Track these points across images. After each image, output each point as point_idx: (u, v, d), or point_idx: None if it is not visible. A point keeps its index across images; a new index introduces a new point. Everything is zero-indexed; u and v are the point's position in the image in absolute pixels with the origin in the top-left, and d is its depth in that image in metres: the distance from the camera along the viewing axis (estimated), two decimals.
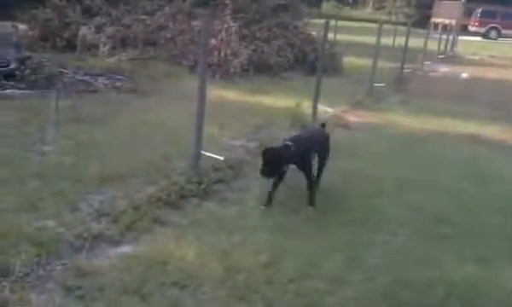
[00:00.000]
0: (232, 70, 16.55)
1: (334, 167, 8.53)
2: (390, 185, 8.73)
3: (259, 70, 17.85)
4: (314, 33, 21.06)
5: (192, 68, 15.66)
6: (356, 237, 6.83)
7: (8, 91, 11.96)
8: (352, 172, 9.09)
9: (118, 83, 13.75)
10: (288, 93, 14.62)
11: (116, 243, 6.21)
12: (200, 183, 7.78)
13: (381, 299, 5.60)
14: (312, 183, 7.56)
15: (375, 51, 16.94)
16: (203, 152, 8.28)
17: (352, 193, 8.30)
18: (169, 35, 18.21)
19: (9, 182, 7.22)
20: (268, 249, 6.27)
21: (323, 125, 8.70)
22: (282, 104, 13.28)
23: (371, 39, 19.26)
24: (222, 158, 8.57)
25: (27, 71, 12.66)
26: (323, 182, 8.09)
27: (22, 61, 13.05)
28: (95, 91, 12.93)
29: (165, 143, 9.37)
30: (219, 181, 8.17)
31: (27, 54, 13.95)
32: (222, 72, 16.30)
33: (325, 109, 13.26)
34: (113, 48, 17.36)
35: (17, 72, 12.64)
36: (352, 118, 13.53)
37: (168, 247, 6.13)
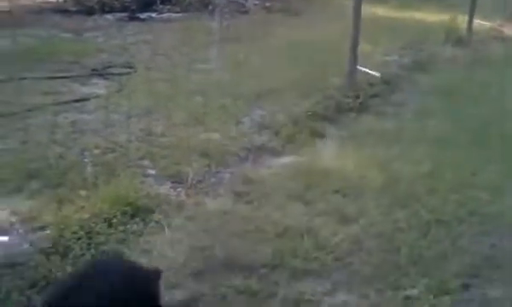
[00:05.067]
0: None
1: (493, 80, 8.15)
2: None
3: None
4: None
5: None
6: None
7: (165, 15, 12.51)
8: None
9: (268, 4, 13.86)
10: (440, 7, 14.01)
11: (278, 154, 6.44)
12: (356, 97, 7.82)
13: None
14: None
15: None
16: (359, 67, 8.23)
17: None
18: None
19: (175, 98, 7.60)
20: (428, 160, 6.20)
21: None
22: (434, 19, 12.81)
23: None
24: (378, 74, 8.50)
25: None
26: None
27: None
28: (246, 12, 13.17)
29: (319, 60, 9.39)
30: (375, 95, 8.16)
31: None
32: None
33: (481, 22, 12.63)
34: None
35: None
36: (509, 31, 12.83)
37: (328, 158, 6.25)
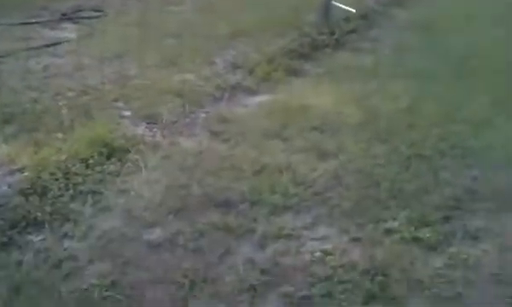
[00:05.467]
0: None
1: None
2: None
3: None
4: None
5: None
6: (503, 81, 6.49)
7: None
8: None
9: None
10: None
11: (253, 93, 6.35)
12: (332, 34, 7.69)
13: None
14: None
15: None
16: (334, 2, 8.09)
17: None
18: None
19: (147, 41, 7.44)
20: (407, 95, 6.13)
21: None
22: None
23: None
24: (353, 9, 8.35)
25: None
26: None
27: None
28: None
29: None
30: (351, 31, 8.05)
31: None
32: None
33: None
34: None
35: None
36: None
37: (305, 95, 6.16)
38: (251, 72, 6.68)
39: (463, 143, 5.26)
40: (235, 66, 6.86)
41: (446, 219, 4.20)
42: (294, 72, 6.82)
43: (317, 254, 3.80)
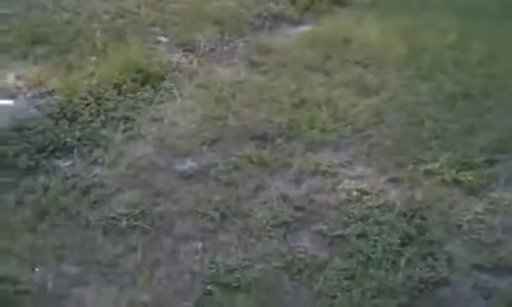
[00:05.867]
0: None
1: None
2: None
3: None
4: None
5: None
6: None
7: None
8: None
9: None
10: None
11: (296, 23, 6.14)
12: None
13: None
14: None
15: None
16: None
17: None
18: None
19: None
20: (455, 30, 5.83)
21: None
22: None
23: None
24: None
25: None
26: None
27: None
28: None
29: None
30: None
31: None
32: None
33: None
34: None
35: None
36: None
37: (350, 27, 5.93)
38: (294, 1, 6.40)
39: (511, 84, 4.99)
40: None
41: (490, 163, 4.00)
42: (339, 3, 6.53)
43: (354, 193, 3.65)
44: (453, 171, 3.87)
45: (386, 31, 5.82)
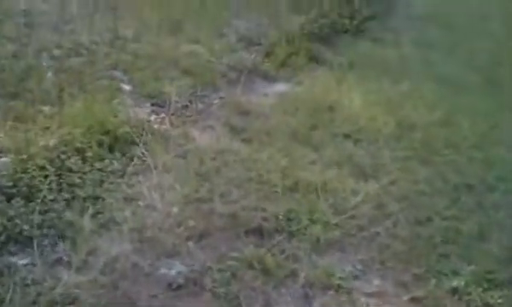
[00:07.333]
0: None
1: None
2: None
3: None
4: None
5: None
6: None
7: None
8: None
9: None
10: None
11: (272, 79, 5.63)
12: (351, 19, 6.90)
13: None
14: None
15: None
16: None
17: None
18: None
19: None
20: (441, 105, 5.43)
21: None
22: None
23: None
24: None
25: None
26: None
27: None
28: None
29: None
30: (371, 18, 7.24)
31: None
32: None
33: None
34: None
35: None
36: None
37: (330, 91, 5.42)
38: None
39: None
40: (249, 42, 5.97)
41: None
42: (316, 60, 6.03)
43: None
44: (480, 290, 3.34)
45: (369, 101, 5.36)
